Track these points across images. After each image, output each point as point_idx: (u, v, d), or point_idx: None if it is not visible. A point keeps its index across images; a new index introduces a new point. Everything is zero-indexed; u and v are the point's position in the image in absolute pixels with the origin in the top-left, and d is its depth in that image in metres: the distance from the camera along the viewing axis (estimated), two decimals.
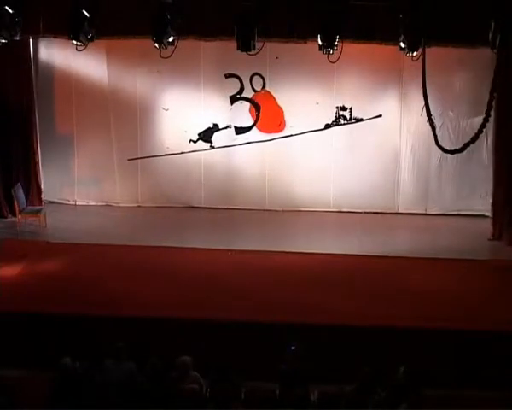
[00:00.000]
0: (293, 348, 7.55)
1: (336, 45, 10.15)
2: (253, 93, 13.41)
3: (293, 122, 13.42)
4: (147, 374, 7.12)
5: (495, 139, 12.25)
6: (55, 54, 13.30)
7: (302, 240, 12.06)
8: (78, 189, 13.98)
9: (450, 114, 13.10)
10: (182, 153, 13.61)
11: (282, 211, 13.63)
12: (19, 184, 12.83)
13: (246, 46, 10.11)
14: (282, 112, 13.46)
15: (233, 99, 13.43)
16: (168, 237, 11.92)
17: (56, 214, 13.11)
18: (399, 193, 13.55)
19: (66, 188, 14.01)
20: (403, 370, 7.10)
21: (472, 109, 12.76)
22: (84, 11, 10.12)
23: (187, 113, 13.55)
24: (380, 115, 13.23)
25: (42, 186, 13.65)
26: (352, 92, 13.22)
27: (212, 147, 13.60)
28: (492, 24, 9.58)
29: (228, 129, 13.57)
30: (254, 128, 13.57)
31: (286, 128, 13.50)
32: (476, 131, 10.29)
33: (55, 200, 13.96)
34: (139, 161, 13.72)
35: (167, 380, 7.02)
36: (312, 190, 13.57)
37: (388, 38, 10.38)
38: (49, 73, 13.55)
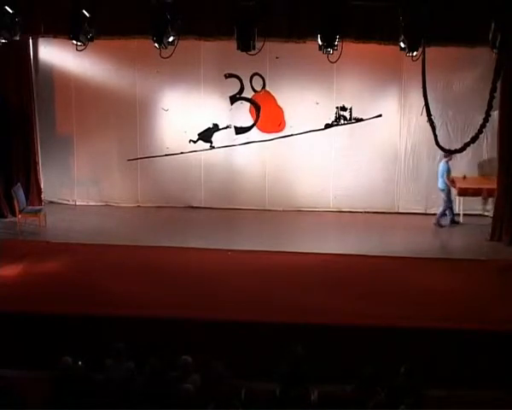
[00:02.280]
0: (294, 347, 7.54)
1: (336, 45, 10.15)
2: (253, 93, 13.41)
3: (293, 122, 13.43)
4: (146, 374, 7.11)
5: (498, 140, 12.23)
6: (55, 54, 13.31)
7: (302, 240, 12.06)
8: (77, 189, 14.00)
9: (450, 113, 13.11)
10: (181, 153, 13.62)
11: (282, 211, 13.63)
12: (19, 184, 12.83)
13: (246, 46, 10.11)
14: (282, 112, 13.46)
15: (233, 99, 13.43)
16: (168, 237, 11.93)
17: (56, 214, 13.13)
18: (399, 193, 13.56)
19: (66, 188, 14.02)
20: (403, 370, 7.09)
21: (472, 109, 12.76)
22: (84, 11, 10.11)
23: (187, 113, 13.56)
24: (380, 115, 13.23)
25: (42, 186, 13.67)
26: (352, 92, 13.23)
27: (212, 147, 13.60)
28: (492, 24, 9.58)
29: (228, 129, 13.58)
30: (254, 128, 13.58)
31: (286, 128, 13.50)
32: (476, 131, 10.28)
33: (55, 200, 13.98)
34: (139, 161, 13.73)
35: (166, 380, 7.01)
36: (312, 190, 13.57)
37: (388, 38, 10.37)
38: (49, 73, 13.57)
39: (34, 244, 11.68)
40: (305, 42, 10.79)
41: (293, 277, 10.18)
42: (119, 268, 10.44)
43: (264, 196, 13.69)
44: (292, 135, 13.47)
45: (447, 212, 12.94)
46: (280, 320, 8.85)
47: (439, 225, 12.93)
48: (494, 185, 12.47)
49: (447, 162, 12.74)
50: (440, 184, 12.84)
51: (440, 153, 12.49)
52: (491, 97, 9.90)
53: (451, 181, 12.85)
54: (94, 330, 8.77)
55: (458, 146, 11.08)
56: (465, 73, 12.89)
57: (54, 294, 9.56)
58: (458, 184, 12.86)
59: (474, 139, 10.38)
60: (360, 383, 6.92)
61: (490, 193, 12.77)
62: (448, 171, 12.75)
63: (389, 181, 13.50)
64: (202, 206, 13.80)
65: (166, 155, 13.66)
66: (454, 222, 12.96)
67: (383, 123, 13.27)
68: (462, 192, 12.81)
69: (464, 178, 13.08)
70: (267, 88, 13.36)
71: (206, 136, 13.59)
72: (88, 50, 10.75)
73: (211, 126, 13.56)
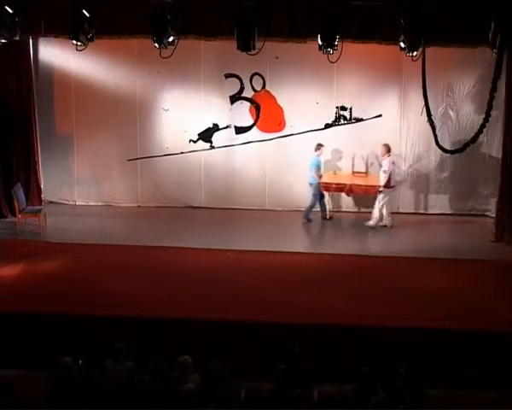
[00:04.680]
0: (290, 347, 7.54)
1: (336, 45, 10.15)
2: (253, 93, 13.42)
3: (293, 122, 13.44)
4: (150, 373, 7.11)
5: (502, 140, 12.24)
6: (55, 54, 13.32)
7: (302, 240, 12.07)
8: (77, 189, 14.00)
9: (451, 113, 13.12)
10: (182, 153, 13.62)
11: (282, 211, 13.63)
12: (19, 184, 12.83)
13: (246, 46, 10.11)
14: (282, 112, 13.47)
15: (233, 99, 13.44)
16: (168, 237, 11.93)
17: (56, 214, 13.12)
18: (399, 193, 13.56)
19: (66, 188, 14.02)
20: (403, 370, 7.09)
21: (472, 109, 12.76)
22: (84, 11, 10.11)
23: (187, 113, 13.56)
24: (380, 115, 13.23)
25: (42, 186, 13.66)
26: (351, 92, 13.23)
27: (212, 147, 13.60)
28: (492, 24, 9.57)
29: (228, 129, 13.58)
30: (254, 128, 13.58)
31: (286, 128, 13.51)
32: (476, 131, 10.27)
33: (55, 200, 13.98)
34: (139, 161, 13.73)
35: (168, 380, 7.01)
36: None
37: (388, 37, 10.38)
38: (49, 73, 13.57)
39: (34, 244, 11.68)
40: (305, 42, 10.79)
41: (293, 277, 10.18)
42: (119, 268, 10.44)
43: (264, 196, 13.69)
44: (292, 135, 13.47)
45: (319, 206, 13.06)
46: (280, 320, 8.85)
47: (307, 219, 12.99)
48: (363, 182, 12.82)
49: (318, 157, 12.88)
50: (310, 179, 12.94)
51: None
52: (491, 97, 9.87)
53: (320, 176, 12.92)
54: (94, 330, 8.76)
55: (458, 146, 11.06)
56: (465, 73, 12.91)
57: (54, 294, 9.56)
58: (322, 180, 12.93)
59: (474, 139, 10.36)
60: (360, 383, 6.92)
61: (352, 190, 12.87)
62: (317, 165, 12.86)
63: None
64: (202, 206, 13.80)
65: (166, 154, 13.66)
66: (325, 218, 13.06)
67: (383, 123, 13.27)
68: (325, 188, 12.92)
69: (335, 173, 13.23)
70: (267, 88, 13.38)
71: (206, 136, 13.60)
72: (88, 50, 10.74)
73: (211, 126, 13.56)
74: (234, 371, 7.22)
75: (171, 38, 10.25)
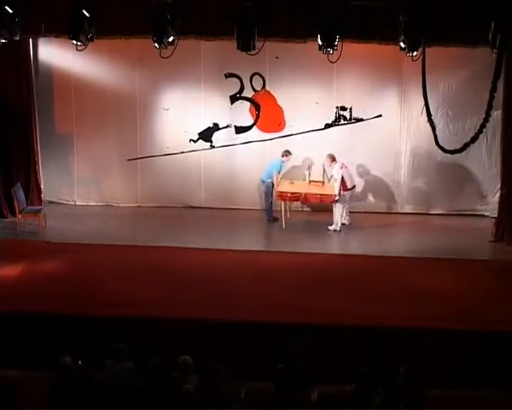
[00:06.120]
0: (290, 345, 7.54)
1: (336, 45, 10.16)
2: (253, 93, 13.42)
3: (293, 122, 13.43)
4: (149, 373, 7.11)
5: (502, 140, 12.24)
6: (55, 54, 13.31)
7: (302, 240, 12.06)
8: (77, 189, 14.00)
9: (450, 113, 13.11)
10: (182, 153, 13.62)
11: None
12: (19, 184, 12.83)
13: (246, 46, 10.12)
14: (282, 111, 13.46)
15: (233, 99, 13.44)
16: (168, 237, 11.93)
17: (56, 214, 13.12)
18: (399, 193, 13.56)
19: (66, 188, 14.02)
20: (403, 370, 7.09)
21: (472, 109, 12.76)
22: (84, 11, 10.12)
23: (187, 112, 13.57)
24: (380, 115, 13.22)
25: (42, 186, 13.66)
26: (351, 92, 13.22)
27: (212, 146, 13.60)
28: (492, 24, 9.58)
29: (228, 128, 13.58)
30: (254, 128, 13.58)
31: (286, 128, 13.50)
32: (476, 131, 10.28)
33: (55, 200, 13.98)
34: (139, 160, 13.73)
35: (167, 380, 7.01)
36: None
37: (388, 38, 10.39)
38: (49, 73, 13.57)
39: (34, 244, 11.67)
40: (305, 42, 10.79)
41: (293, 277, 10.19)
42: (119, 268, 10.44)
43: None
44: (292, 135, 13.47)
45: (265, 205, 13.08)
46: (280, 320, 8.86)
47: (271, 219, 13.02)
48: (319, 191, 12.74)
49: (283, 162, 12.96)
50: (264, 176, 12.98)
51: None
52: (491, 97, 9.88)
53: (277, 181, 12.96)
54: (94, 330, 8.76)
55: (458, 146, 11.06)
56: (465, 72, 12.89)
57: (54, 294, 9.56)
58: (277, 188, 12.88)
59: (474, 139, 10.37)
60: (360, 383, 6.91)
61: (307, 199, 12.83)
62: (279, 170, 12.93)
63: (389, 181, 13.51)
64: (202, 206, 13.79)
65: (166, 154, 13.66)
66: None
67: (383, 123, 13.26)
68: (281, 197, 12.79)
69: (291, 183, 13.19)
70: (267, 87, 13.37)
71: (206, 135, 13.60)
72: (88, 50, 10.75)
73: (211, 126, 13.57)
74: (234, 371, 7.22)
75: (171, 38, 10.25)
